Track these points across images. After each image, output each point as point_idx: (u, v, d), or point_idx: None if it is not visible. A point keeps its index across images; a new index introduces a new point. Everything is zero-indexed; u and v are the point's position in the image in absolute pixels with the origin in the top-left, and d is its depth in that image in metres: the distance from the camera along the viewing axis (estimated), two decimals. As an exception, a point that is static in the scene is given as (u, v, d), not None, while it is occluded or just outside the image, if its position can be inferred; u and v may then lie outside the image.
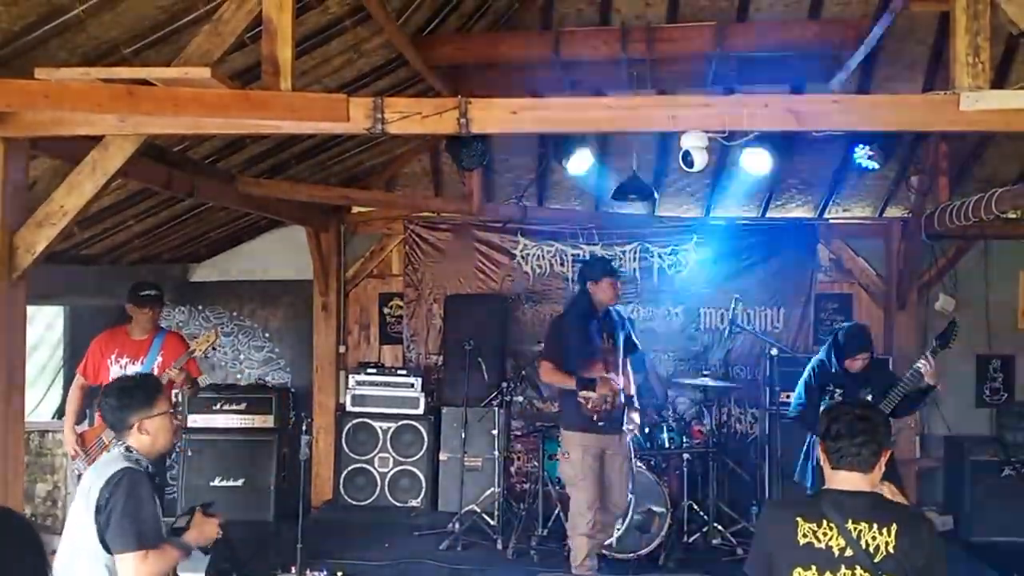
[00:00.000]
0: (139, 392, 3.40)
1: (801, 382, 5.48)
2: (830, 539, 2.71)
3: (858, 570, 2.67)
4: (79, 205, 3.97)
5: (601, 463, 5.59)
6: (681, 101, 4.31)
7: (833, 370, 5.35)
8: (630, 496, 5.87)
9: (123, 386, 3.46)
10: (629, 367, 5.90)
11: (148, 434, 3.35)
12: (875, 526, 2.70)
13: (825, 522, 2.73)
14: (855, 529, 2.70)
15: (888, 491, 2.87)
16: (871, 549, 2.68)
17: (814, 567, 2.70)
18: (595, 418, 5.44)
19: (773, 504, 2.81)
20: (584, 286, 5.72)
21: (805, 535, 2.73)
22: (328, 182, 7.56)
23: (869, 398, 5.15)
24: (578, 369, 5.51)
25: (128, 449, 3.32)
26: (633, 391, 5.91)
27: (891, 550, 2.68)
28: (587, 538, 5.53)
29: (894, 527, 2.70)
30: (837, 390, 5.27)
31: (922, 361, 5.03)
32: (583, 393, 5.43)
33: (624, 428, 5.69)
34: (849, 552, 2.68)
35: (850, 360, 5.29)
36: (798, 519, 2.76)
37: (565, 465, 5.63)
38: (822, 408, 5.20)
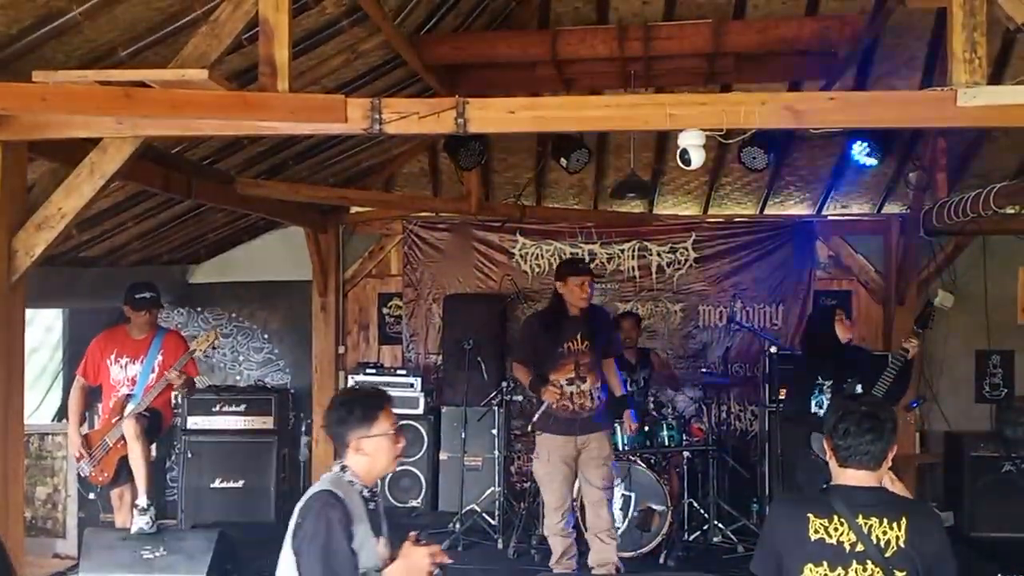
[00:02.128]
0: (358, 408, 3.07)
1: (791, 383, 5.63)
2: (841, 535, 2.71)
3: (869, 565, 2.68)
4: (77, 207, 3.98)
5: (576, 464, 5.54)
6: (678, 99, 4.30)
7: (818, 360, 5.46)
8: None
9: (345, 400, 3.16)
10: (615, 368, 5.86)
11: (365, 455, 3.04)
12: (885, 520, 2.71)
13: (836, 517, 2.73)
14: (865, 524, 2.71)
15: (888, 478, 2.88)
16: (882, 544, 2.69)
17: (825, 563, 2.70)
18: (556, 409, 5.45)
19: (782, 501, 2.80)
20: (556, 287, 5.67)
21: (817, 531, 2.73)
22: (326, 182, 7.56)
23: (859, 388, 5.24)
24: (548, 370, 5.50)
25: (343, 468, 3.05)
26: (620, 391, 5.89)
27: (902, 544, 2.69)
28: (560, 537, 5.56)
29: (904, 521, 2.71)
30: (826, 382, 5.33)
31: (906, 344, 5.30)
32: (549, 391, 5.47)
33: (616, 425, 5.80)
34: (860, 547, 2.69)
35: (839, 324, 5.41)
36: (809, 515, 2.76)
37: (536, 465, 5.68)
38: (815, 402, 5.32)
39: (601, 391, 5.59)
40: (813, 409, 5.34)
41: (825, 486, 2.91)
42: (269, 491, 7.44)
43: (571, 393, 5.47)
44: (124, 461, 5.59)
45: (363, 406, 3.07)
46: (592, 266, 8.07)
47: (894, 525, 2.71)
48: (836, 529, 2.72)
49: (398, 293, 8.38)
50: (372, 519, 3.02)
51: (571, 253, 8.15)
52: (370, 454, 3.03)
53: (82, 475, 5.94)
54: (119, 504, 5.78)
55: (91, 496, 6.94)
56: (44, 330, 7.78)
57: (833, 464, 2.86)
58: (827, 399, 5.35)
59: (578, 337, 5.49)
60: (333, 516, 2.86)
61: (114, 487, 5.75)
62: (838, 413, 2.85)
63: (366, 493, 3.06)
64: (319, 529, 2.84)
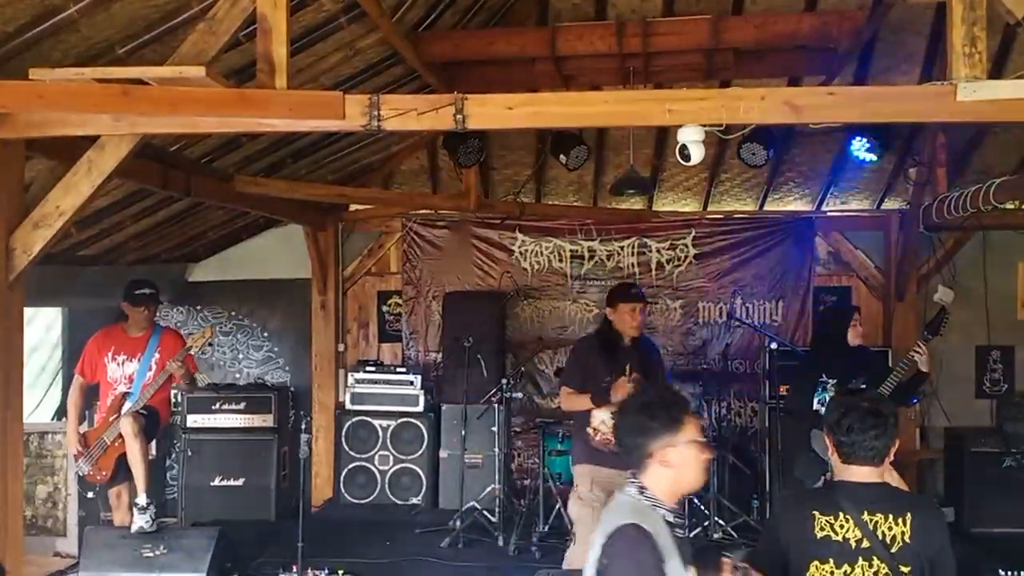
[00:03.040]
0: (662, 412, 2.65)
1: (795, 377, 5.55)
2: (847, 531, 2.72)
3: (875, 561, 2.69)
4: (75, 205, 3.97)
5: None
6: (678, 95, 4.29)
7: (825, 358, 5.36)
8: None
9: (645, 404, 2.73)
10: None
11: (671, 467, 2.63)
12: (891, 516, 2.72)
13: (841, 514, 2.74)
14: (871, 520, 2.71)
15: (888, 473, 2.88)
16: (888, 540, 2.69)
17: (831, 560, 2.71)
18: (600, 443, 4.88)
19: (787, 498, 2.81)
20: (606, 313, 5.27)
21: (823, 528, 2.73)
22: (325, 180, 7.55)
23: (862, 387, 5.19)
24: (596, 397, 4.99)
25: (641, 490, 2.65)
26: None
27: (907, 540, 2.70)
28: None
29: (909, 517, 2.72)
30: (831, 380, 5.27)
31: (915, 349, 5.13)
32: (593, 424, 4.92)
33: None
34: (866, 543, 2.70)
35: (852, 329, 5.27)
36: (815, 512, 2.76)
37: (574, 502, 5.08)
38: (818, 399, 5.27)
39: None
40: (815, 406, 5.29)
41: (829, 481, 2.91)
42: (269, 489, 7.44)
43: (615, 427, 5.01)
44: (122, 460, 5.59)
45: (667, 410, 2.66)
46: (592, 263, 8.13)
47: (899, 521, 2.71)
48: (842, 526, 2.73)
49: (397, 291, 8.37)
50: (680, 547, 2.66)
51: (571, 250, 8.15)
52: (677, 466, 2.63)
53: (80, 474, 5.94)
54: (117, 503, 5.78)
55: (89, 495, 6.94)
56: (44, 329, 7.78)
57: (836, 460, 2.85)
58: (829, 397, 5.30)
59: (628, 368, 4.96)
60: (645, 559, 2.52)
61: (112, 486, 5.75)
62: (840, 410, 2.83)
63: (670, 517, 2.68)
64: (630, 574, 2.53)
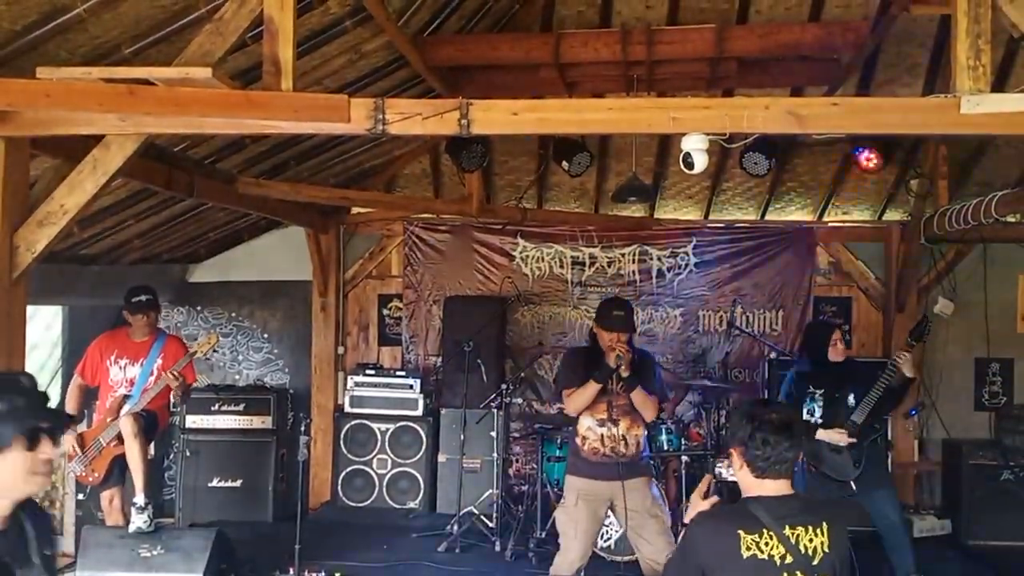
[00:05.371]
0: None
1: (782, 393, 5.59)
2: (771, 548, 2.68)
3: (798, 575, 2.67)
4: (80, 204, 3.97)
5: (613, 513, 4.96)
6: (682, 103, 4.28)
7: (811, 371, 5.44)
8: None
9: None
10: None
11: None
12: (810, 528, 2.72)
13: (765, 532, 2.70)
14: (792, 534, 2.70)
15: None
16: (809, 552, 2.69)
17: None
18: (587, 452, 4.81)
19: (708, 516, 2.70)
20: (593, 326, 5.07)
21: (748, 547, 2.68)
22: (328, 183, 7.55)
23: (851, 398, 5.30)
24: (582, 410, 4.88)
25: None
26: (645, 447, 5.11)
27: (826, 549, 2.71)
28: None
29: (825, 525, 2.73)
30: (818, 391, 5.32)
31: (898, 355, 5.26)
32: (580, 432, 4.86)
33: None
34: (789, 559, 2.68)
35: (833, 348, 5.39)
36: (739, 532, 2.70)
37: (560, 512, 5.07)
38: (806, 409, 5.30)
39: (643, 437, 4.94)
40: (804, 417, 5.32)
41: (744, 498, 2.85)
42: (267, 491, 7.45)
43: (602, 435, 4.84)
44: (116, 462, 5.59)
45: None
46: (592, 270, 8.14)
47: (818, 531, 2.72)
48: (767, 543, 2.69)
49: (398, 294, 8.38)
50: None
51: (572, 256, 8.16)
52: None
53: (73, 474, 5.93)
54: (109, 508, 5.76)
55: (80, 496, 6.93)
56: (43, 327, 7.77)
57: (747, 475, 2.81)
58: (818, 407, 5.34)
59: (613, 378, 4.82)
60: None
61: (104, 489, 5.73)
62: (753, 423, 2.77)
63: None
64: None
